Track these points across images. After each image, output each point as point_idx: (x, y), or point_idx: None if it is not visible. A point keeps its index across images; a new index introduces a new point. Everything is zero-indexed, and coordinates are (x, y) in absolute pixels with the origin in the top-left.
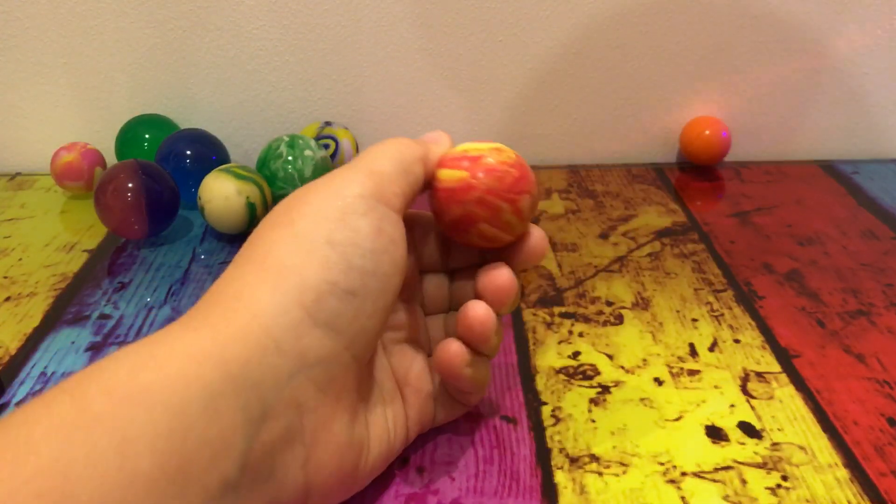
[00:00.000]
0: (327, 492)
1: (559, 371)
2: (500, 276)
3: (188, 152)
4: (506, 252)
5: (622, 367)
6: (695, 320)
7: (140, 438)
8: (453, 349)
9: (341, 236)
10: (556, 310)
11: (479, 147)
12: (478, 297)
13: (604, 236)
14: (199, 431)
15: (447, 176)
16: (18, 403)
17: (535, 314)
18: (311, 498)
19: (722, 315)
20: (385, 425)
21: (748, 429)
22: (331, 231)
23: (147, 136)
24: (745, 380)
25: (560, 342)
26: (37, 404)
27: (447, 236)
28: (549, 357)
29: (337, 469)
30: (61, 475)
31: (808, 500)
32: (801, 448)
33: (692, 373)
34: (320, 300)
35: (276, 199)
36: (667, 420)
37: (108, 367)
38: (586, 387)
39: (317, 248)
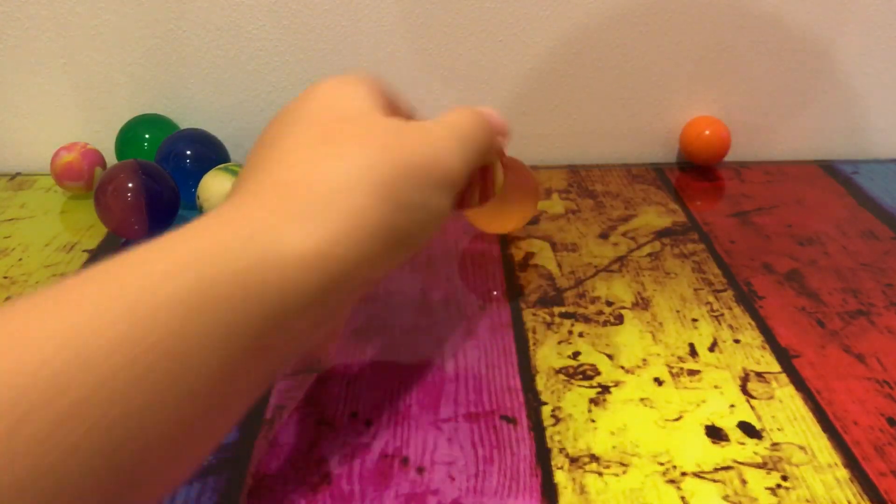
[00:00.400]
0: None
1: (559, 371)
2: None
3: (188, 152)
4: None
5: (622, 367)
6: (695, 320)
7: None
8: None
9: (419, 200)
10: (556, 310)
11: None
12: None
13: (604, 236)
14: (311, 317)
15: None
16: None
17: (535, 314)
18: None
19: (722, 315)
20: None
21: (748, 429)
22: (427, 198)
23: (147, 136)
24: (745, 380)
25: (560, 342)
26: (99, 275)
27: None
28: (549, 357)
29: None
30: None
31: (807, 500)
32: (801, 448)
33: (692, 373)
34: (396, 242)
35: None
36: (667, 420)
37: (197, 238)
38: (586, 387)
39: (413, 202)
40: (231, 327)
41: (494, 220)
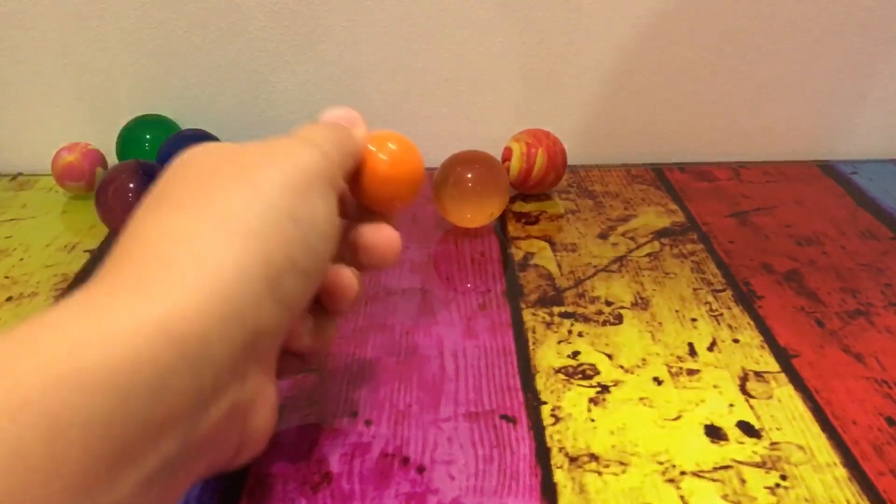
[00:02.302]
0: (256, 445)
1: (559, 371)
2: (388, 231)
3: None
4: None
5: (621, 367)
6: (694, 320)
7: (73, 426)
8: (348, 274)
9: (304, 214)
10: (556, 309)
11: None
12: (364, 253)
13: (603, 236)
14: (144, 415)
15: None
16: None
17: (534, 314)
18: (242, 454)
19: (721, 315)
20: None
21: (747, 428)
22: (295, 206)
23: (148, 136)
24: (744, 379)
25: (560, 342)
26: None
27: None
28: (549, 357)
29: (268, 427)
30: None
31: (806, 500)
32: (800, 447)
33: (691, 372)
34: (281, 276)
35: None
36: (666, 419)
37: (45, 339)
38: (586, 386)
39: (281, 220)
40: (95, 432)
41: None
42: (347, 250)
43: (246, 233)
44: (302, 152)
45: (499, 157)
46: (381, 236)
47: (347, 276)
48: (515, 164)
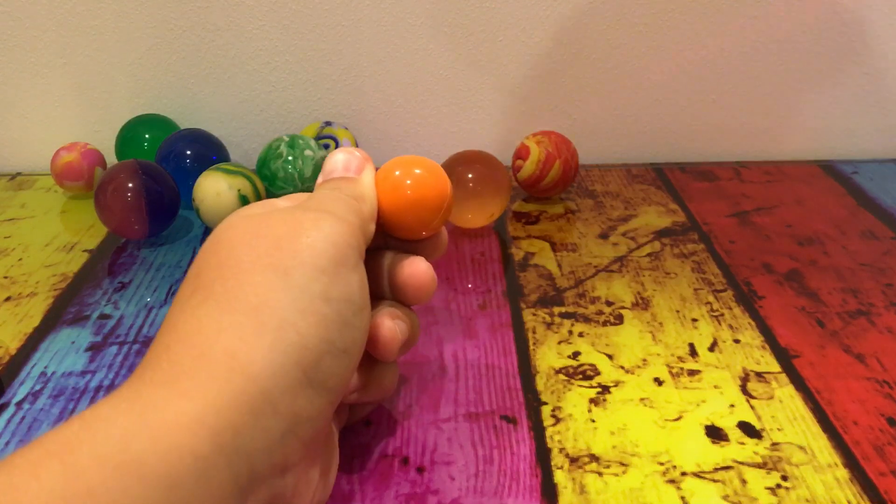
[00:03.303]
0: None
1: (559, 371)
2: (421, 265)
3: (188, 152)
4: (422, 247)
5: (622, 367)
6: (695, 320)
7: None
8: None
9: (337, 292)
10: (556, 310)
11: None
12: (399, 290)
13: (604, 236)
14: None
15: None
16: (19, 403)
17: (535, 314)
18: None
19: (722, 315)
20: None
21: (748, 429)
22: (327, 286)
23: (147, 136)
24: (744, 380)
25: (560, 342)
26: (22, 466)
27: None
28: (549, 357)
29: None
30: None
31: (807, 500)
32: (801, 448)
33: (692, 373)
34: (318, 361)
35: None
36: (667, 420)
37: (98, 428)
38: (586, 387)
39: (314, 303)
40: None
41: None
42: (387, 285)
43: (278, 323)
44: (325, 227)
45: (500, 157)
46: (412, 272)
47: (387, 328)
48: (529, 167)
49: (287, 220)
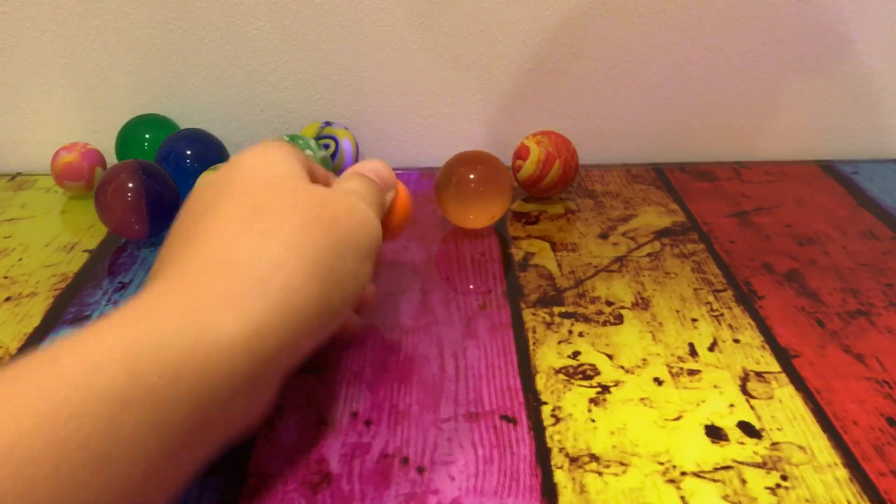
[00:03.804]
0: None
1: (559, 371)
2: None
3: (188, 152)
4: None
5: (622, 367)
6: (694, 320)
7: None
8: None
9: (362, 275)
10: (556, 309)
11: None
12: None
13: (604, 236)
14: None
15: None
16: None
17: (534, 314)
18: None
19: (721, 315)
20: None
21: (748, 428)
22: (357, 269)
23: (147, 136)
24: (744, 380)
25: (560, 342)
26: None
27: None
28: (549, 357)
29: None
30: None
31: (807, 500)
32: (801, 448)
33: (692, 373)
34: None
35: None
36: (666, 420)
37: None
38: (586, 386)
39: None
40: (161, 421)
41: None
42: None
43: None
44: (374, 224)
45: (500, 157)
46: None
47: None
48: (529, 167)
49: (347, 210)
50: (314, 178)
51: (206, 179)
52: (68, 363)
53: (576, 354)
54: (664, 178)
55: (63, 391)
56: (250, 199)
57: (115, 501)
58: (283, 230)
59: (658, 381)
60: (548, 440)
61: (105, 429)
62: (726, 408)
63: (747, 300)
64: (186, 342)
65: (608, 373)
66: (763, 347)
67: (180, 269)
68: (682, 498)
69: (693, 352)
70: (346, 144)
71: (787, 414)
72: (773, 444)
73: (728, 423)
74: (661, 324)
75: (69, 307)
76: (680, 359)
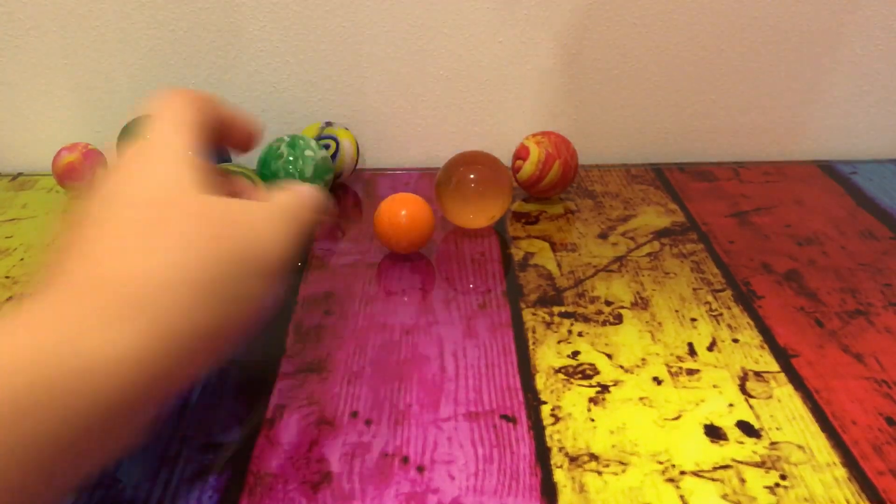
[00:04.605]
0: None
1: (559, 370)
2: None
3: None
4: None
5: (621, 367)
6: (694, 320)
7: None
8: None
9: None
10: (556, 309)
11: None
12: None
13: (603, 236)
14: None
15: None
16: None
17: (534, 314)
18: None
19: (721, 315)
20: None
21: (747, 428)
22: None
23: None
24: (743, 379)
25: (559, 342)
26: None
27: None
28: (549, 356)
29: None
30: None
31: (806, 499)
32: (800, 447)
33: (691, 372)
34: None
35: None
36: (666, 419)
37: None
38: (585, 386)
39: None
40: (38, 438)
41: None
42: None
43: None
44: (277, 239)
45: (501, 157)
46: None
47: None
48: (529, 167)
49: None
50: (229, 185)
51: (100, 183)
52: None
53: (575, 354)
54: (663, 178)
55: None
56: (139, 213)
57: None
58: (169, 249)
59: (657, 381)
60: (547, 439)
61: None
62: (725, 407)
63: (746, 300)
64: (66, 362)
65: (607, 372)
66: (762, 347)
67: (62, 284)
68: (682, 497)
69: (692, 351)
70: (346, 144)
71: (785, 413)
72: (772, 443)
73: (727, 423)
74: (660, 323)
75: None
76: (679, 358)
